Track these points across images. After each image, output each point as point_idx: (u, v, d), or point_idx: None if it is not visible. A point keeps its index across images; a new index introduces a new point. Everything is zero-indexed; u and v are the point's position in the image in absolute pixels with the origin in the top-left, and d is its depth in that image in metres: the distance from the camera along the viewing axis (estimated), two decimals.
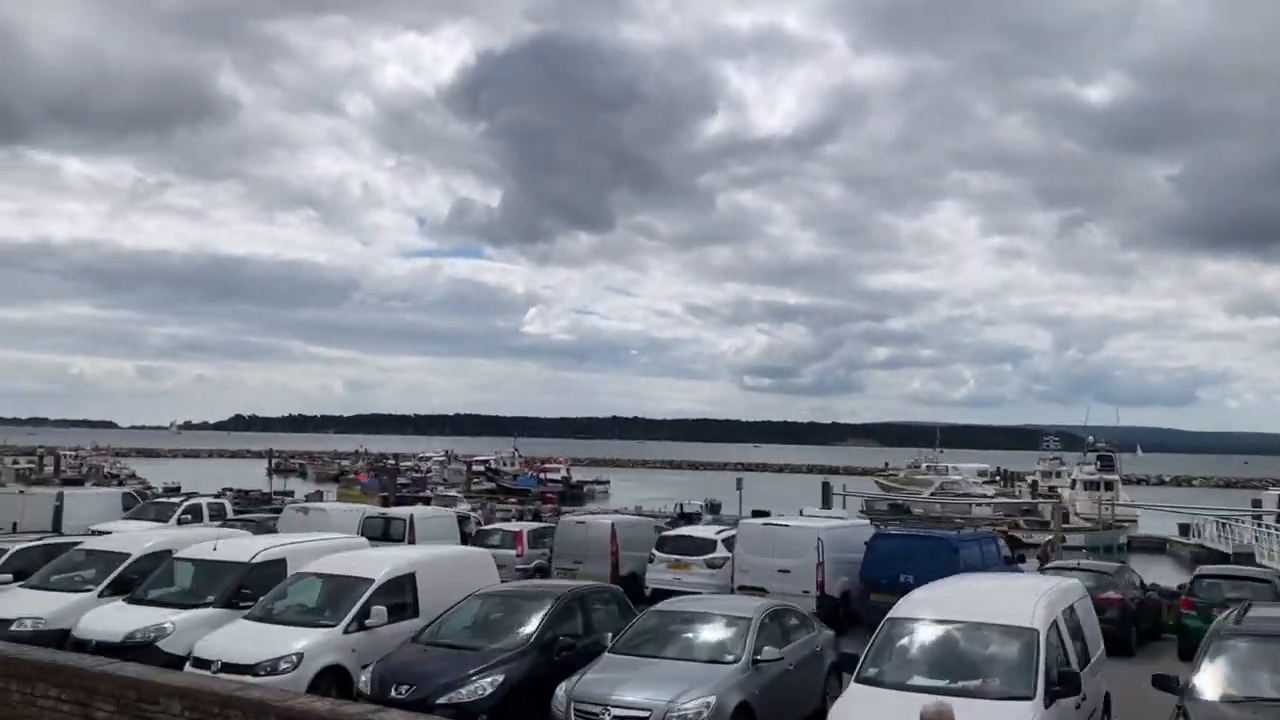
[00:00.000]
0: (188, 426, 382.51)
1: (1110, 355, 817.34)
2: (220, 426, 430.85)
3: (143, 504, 26.87)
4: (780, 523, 21.29)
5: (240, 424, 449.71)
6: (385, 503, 58.89)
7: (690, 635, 11.72)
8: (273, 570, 14.03)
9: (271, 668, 11.45)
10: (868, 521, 27.81)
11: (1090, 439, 69.73)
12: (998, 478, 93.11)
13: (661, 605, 13.11)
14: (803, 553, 18.97)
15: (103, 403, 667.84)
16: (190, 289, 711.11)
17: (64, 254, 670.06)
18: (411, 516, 23.93)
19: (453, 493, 68.10)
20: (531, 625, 11.93)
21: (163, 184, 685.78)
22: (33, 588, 14.52)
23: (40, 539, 17.32)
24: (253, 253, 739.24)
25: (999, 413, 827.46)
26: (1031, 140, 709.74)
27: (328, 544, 15.53)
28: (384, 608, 12.61)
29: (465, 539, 24.46)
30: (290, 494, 59.66)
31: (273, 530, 21.44)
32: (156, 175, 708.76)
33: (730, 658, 11.05)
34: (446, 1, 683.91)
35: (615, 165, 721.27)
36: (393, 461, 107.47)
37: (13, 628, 12.84)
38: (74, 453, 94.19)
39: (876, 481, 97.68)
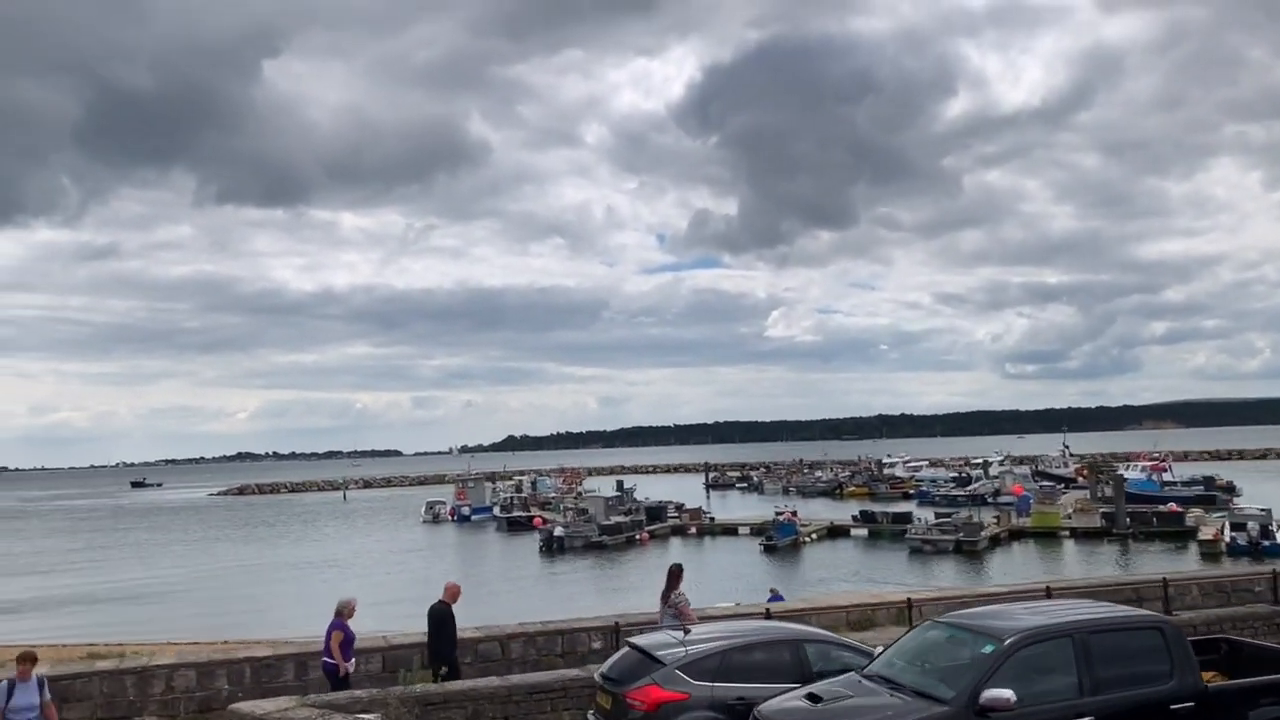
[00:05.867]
0: (465, 449, 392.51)
1: None
2: (495, 448, 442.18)
3: None
4: None
5: (512, 444, 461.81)
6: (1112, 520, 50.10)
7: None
8: None
9: None
10: None
11: None
12: None
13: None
14: None
15: (384, 433, 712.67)
16: (455, 322, 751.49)
17: (344, 300, 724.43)
18: None
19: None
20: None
21: (428, 228, 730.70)
22: None
23: None
24: (509, 283, 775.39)
25: None
26: None
27: None
28: None
29: None
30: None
31: None
32: (422, 220, 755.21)
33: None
34: (673, 23, 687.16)
35: (853, 158, 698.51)
36: (877, 466, 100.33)
37: None
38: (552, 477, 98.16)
39: None
